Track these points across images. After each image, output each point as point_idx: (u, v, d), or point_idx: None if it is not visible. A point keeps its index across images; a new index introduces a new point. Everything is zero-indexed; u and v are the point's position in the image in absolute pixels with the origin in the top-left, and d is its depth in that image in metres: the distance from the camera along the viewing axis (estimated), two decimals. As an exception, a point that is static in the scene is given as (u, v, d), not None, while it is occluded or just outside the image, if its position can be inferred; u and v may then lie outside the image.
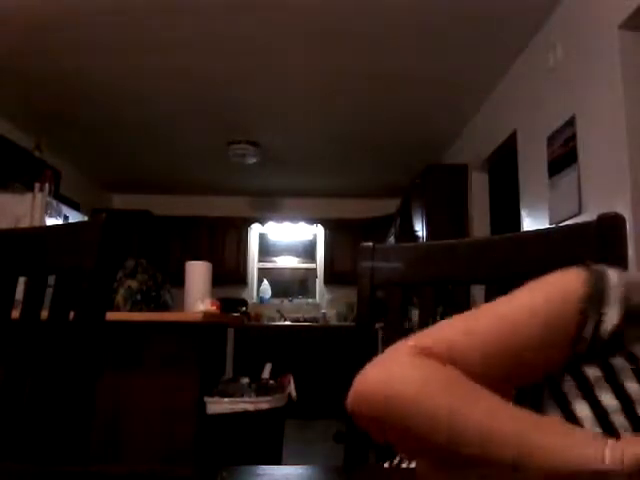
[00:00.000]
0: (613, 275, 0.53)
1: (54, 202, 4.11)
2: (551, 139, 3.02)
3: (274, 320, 6.55)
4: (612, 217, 0.83)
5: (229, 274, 6.33)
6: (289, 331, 6.07)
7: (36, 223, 3.78)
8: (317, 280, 6.98)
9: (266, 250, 7.07)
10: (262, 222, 6.92)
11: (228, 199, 6.88)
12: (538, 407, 0.53)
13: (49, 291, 0.89)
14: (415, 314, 1.07)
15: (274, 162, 5.57)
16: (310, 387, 4.98)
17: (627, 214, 2.29)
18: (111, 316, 1.18)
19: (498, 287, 0.89)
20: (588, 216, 2.41)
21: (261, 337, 5.91)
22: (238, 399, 2.60)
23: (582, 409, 0.50)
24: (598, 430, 0.48)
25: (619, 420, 0.48)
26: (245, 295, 6.75)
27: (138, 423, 2.50)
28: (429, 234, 4.58)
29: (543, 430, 0.45)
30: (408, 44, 3.39)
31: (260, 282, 6.87)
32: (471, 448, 0.46)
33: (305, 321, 6.41)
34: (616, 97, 2.42)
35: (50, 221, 3.96)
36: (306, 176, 6.22)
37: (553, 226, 2.82)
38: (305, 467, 0.46)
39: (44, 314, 0.87)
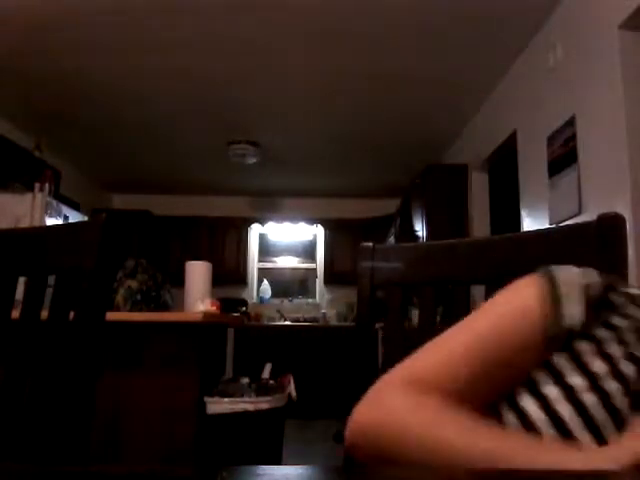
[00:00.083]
0: (565, 276, 0.57)
1: (54, 202, 4.11)
2: (551, 139, 3.02)
3: (274, 320, 6.55)
4: (612, 217, 0.83)
5: (229, 274, 6.32)
6: (289, 331, 6.07)
7: (36, 223, 3.78)
8: (317, 280, 6.98)
9: (266, 250, 7.07)
10: (262, 222, 6.92)
11: (228, 199, 6.88)
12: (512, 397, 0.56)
13: (49, 291, 0.89)
14: (415, 314, 1.07)
15: (274, 162, 5.57)
16: (310, 387, 4.98)
17: (627, 214, 2.29)
18: (111, 316, 1.18)
19: (498, 287, 0.89)
20: (588, 216, 2.41)
21: (261, 337, 5.91)
22: (238, 399, 2.60)
23: (550, 390, 0.54)
24: (569, 407, 0.51)
25: (587, 397, 0.51)
26: (245, 295, 6.75)
27: (138, 423, 2.50)
28: (429, 234, 4.58)
29: (536, 449, 0.47)
30: (408, 44, 3.39)
31: (260, 282, 6.87)
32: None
33: (305, 321, 6.41)
34: (616, 97, 2.42)
35: (50, 221, 3.96)
36: (306, 176, 6.22)
37: (553, 226, 2.82)
38: (305, 467, 0.46)
39: (44, 314, 0.87)
